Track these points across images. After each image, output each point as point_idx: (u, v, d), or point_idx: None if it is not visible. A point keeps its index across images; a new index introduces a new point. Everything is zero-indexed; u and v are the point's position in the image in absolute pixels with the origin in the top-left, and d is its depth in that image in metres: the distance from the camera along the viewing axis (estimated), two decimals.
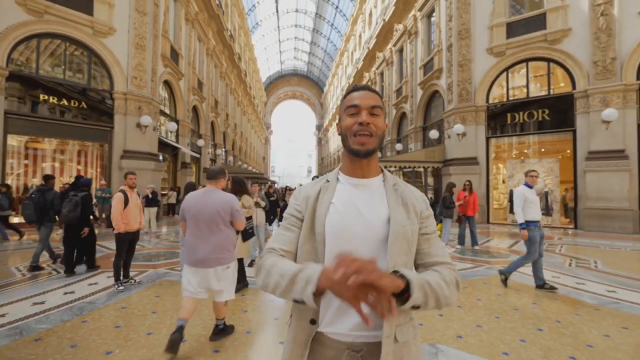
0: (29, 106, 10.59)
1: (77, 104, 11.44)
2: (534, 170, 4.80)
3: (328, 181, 1.06)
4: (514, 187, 13.15)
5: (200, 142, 19.16)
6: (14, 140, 10.92)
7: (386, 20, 21.31)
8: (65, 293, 4.16)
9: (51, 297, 3.99)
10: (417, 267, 1.02)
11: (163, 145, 14.51)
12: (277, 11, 42.42)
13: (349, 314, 0.92)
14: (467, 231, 7.92)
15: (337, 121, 1.09)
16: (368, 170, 1.03)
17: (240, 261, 4.24)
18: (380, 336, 0.90)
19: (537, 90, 12.67)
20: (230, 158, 29.11)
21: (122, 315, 3.49)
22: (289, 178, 75.74)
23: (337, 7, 39.21)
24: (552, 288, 4.45)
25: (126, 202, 4.36)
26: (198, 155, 19.32)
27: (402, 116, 20.70)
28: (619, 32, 10.65)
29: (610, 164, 10.59)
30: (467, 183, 7.79)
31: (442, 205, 7.29)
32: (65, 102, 11.17)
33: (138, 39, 12.43)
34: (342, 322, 0.92)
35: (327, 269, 0.75)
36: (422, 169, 15.07)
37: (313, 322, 0.93)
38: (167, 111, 15.72)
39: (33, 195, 5.44)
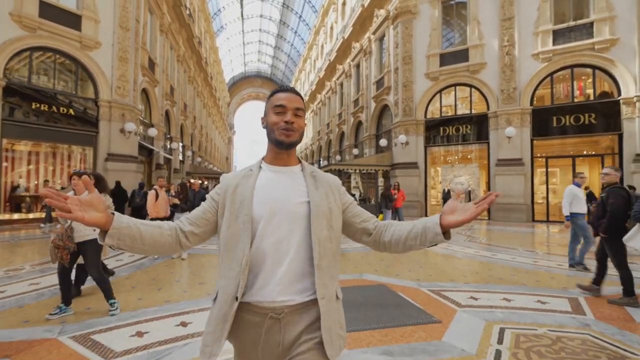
0: (21, 113, 11.60)
1: (65, 111, 12.56)
2: (582, 173, 5.58)
3: (251, 170, 1.18)
4: (447, 187, 16.18)
5: (174, 145, 20.43)
6: (8, 144, 11.84)
7: (345, 37, 23.87)
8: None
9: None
10: (362, 224, 1.22)
11: (140, 147, 15.77)
12: (242, 16, 43.66)
13: (270, 284, 1.06)
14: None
15: (262, 115, 1.22)
16: (288, 160, 1.19)
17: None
18: (294, 300, 1.07)
19: (462, 109, 15.77)
20: (198, 159, 30.21)
21: (167, 268, 5.39)
22: None
23: (300, 16, 41.33)
24: (586, 269, 5.26)
25: (157, 197, 6.21)
26: (171, 157, 20.56)
27: (359, 124, 23.34)
28: (518, 68, 13.90)
29: (512, 169, 13.81)
30: (396, 184, 10.35)
31: (383, 200, 9.76)
32: (54, 109, 12.27)
33: (122, 52, 13.73)
34: (263, 293, 1.06)
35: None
36: (374, 171, 17.68)
37: (236, 298, 1.05)
38: (143, 116, 16.94)
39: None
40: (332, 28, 30.46)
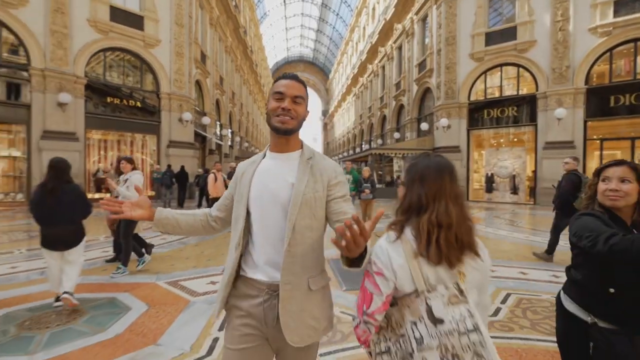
0: (99, 106, 13.39)
1: (133, 103, 14.25)
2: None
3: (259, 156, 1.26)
4: (490, 171, 15.91)
5: (224, 131, 21.98)
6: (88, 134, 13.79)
7: (387, 19, 23.53)
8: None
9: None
10: (334, 224, 1.18)
11: (195, 134, 17.31)
12: (284, 1, 44.17)
13: (263, 263, 1.16)
14: None
15: (266, 101, 1.24)
16: (287, 146, 1.21)
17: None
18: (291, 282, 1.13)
19: (509, 90, 15.21)
20: (245, 144, 31.96)
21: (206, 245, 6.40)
22: None
23: None
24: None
25: (215, 179, 7.24)
26: (221, 143, 22.18)
27: (401, 107, 23.21)
28: (572, 44, 13.08)
29: (561, 153, 13.21)
30: None
31: None
32: (124, 102, 13.97)
33: (177, 47, 15.07)
34: (259, 270, 1.16)
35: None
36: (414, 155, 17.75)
37: (237, 271, 1.20)
38: (197, 105, 18.46)
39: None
40: (374, 9, 29.98)
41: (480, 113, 15.74)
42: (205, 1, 18.50)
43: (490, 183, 15.88)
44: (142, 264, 4.44)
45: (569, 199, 4.52)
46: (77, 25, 12.21)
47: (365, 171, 6.31)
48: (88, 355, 2.32)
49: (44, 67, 11.45)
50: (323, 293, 1.20)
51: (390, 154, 18.74)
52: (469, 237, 1.03)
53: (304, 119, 1.22)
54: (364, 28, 33.84)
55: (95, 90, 13.16)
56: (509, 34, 14.57)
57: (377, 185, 18.37)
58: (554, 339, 2.51)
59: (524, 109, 14.60)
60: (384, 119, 26.99)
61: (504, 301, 3.40)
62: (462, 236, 1.01)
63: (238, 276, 1.20)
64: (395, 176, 19.17)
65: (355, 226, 0.84)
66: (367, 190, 6.19)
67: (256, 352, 1.14)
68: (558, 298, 1.56)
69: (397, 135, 22.62)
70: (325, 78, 65.15)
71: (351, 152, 37.31)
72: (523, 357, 2.37)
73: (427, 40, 18.54)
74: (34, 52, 11.35)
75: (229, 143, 25.07)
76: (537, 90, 14.04)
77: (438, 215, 1.01)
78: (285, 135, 1.18)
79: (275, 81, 1.24)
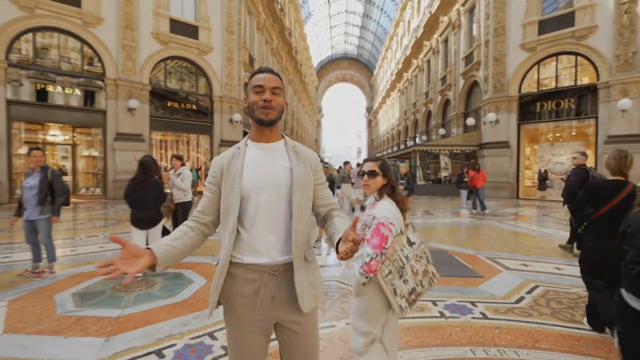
0: (160, 110, 14.88)
1: (189, 106, 15.60)
2: None
3: (239, 148, 1.29)
4: (543, 167, 15.05)
5: None
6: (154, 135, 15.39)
7: (432, 12, 22.95)
8: None
9: None
10: (318, 207, 1.34)
11: (244, 134, 18.43)
12: (328, 0, 44.61)
13: (265, 246, 1.21)
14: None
15: (245, 96, 1.35)
16: (271, 137, 1.28)
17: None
18: (291, 259, 1.21)
19: (564, 81, 14.23)
20: None
21: None
22: (338, 159, 78.99)
23: None
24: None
25: None
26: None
27: (447, 102, 22.57)
28: None
29: (626, 147, 12.17)
30: (477, 165, 10.34)
31: (457, 180, 10.01)
32: (182, 105, 15.35)
33: (228, 53, 16.17)
34: (262, 256, 1.21)
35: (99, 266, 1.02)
36: (460, 152, 17.25)
37: (230, 261, 1.22)
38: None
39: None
40: (419, 2, 29.28)
41: (533, 106, 14.92)
42: (253, 7, 19.53)
43: (543, 180, 15.01)
44: None
45: (576, 192, 4.50)
46: (142, 38, 13.68)
47: (403, 168, 6.51)
48: (163, 312, 2.94)
49: (117, 77, 13.02)
50: (315, 265, 1.31)
51: (435, 150, 18.40)
52: (405, 205, 1.88)
53: (283, 109, 1.30)
54: (409, 22, 33.16)
55: (157, 95, 14.63)
56: (566, 20, 13.63)
57: (421, 182, 18.40)
58: (572, 325, 2.68)
59: (582, 100, 13.61)
60: (429, 114, 26.39)
61: (530, 292, 3.52)
62: (404, 204, 1.89)
63: (231, 264, 1.23)
64: (449, 174, 18.79)
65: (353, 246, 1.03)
66: (401, 187, 6.37)
67: (257, 336, 1.22)
68: (621, 298, 1.58)
69: (442, 131, 22.06)
70: (370, 74, 64.60)
71: (395, 149, 36.86)
72: (534, 337, 2.56)
73: (474, 32, 17.88)
74: (108, 64, 12.96)
75: None
76: (598, 79, 13.01)
77: (399, 193, 1.90)
78: (269, 126, 1.26)
79: (251, 76, 1.30)
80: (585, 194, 2.76)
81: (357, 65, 66.74)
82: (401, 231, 1.74)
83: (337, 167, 16.81)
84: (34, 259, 4.06)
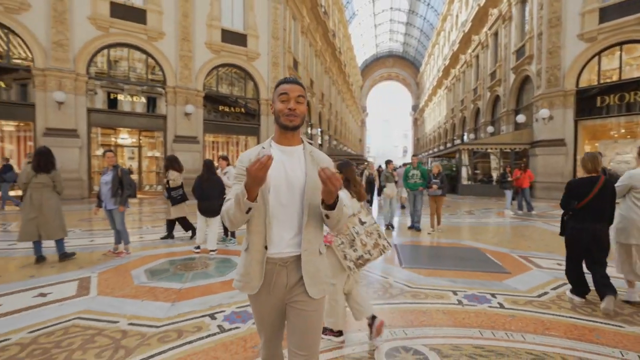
0: (213, 113, 16.13)
1: (238, 110, 16.70)
2: None
3: (264, 148, 1.41)
4: (607, 166, 13.90)
5: (314, 131, 23.69)
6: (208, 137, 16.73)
7: (481, 5, 22.05)
8: None
9: None
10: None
11: None
12: None
13: (279, 240, 1.33)
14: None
15: (271, 102, 1.45)
16: (292, 140, 1.41)
17: (172, 221, 5.99)
18: (295, 252, 1.34)
19: (631, 72, 13.04)
20: (334, 142, 33.52)
21: None
22: (384, 158, 77.95)
23: None
24: None
25: None
26: (311, 142, 23.95)
27: (496, 99, 21.56)
28: None
29: None
30: (523, 164, 9.94)
31: (500, 180, 9.72)
32: (232, 109, 16.49)
33: (274, 58, 17.02)
34: (276, 247, 1.34)
35: (250, 166, 1.14)
36: (510, 150, 16.47)
37: (266, 248, 1.33)
38: None
39: None
40: None
41: (592, 101, 13.85)
42: (297, 12, 20.27)
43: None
44: (227, 241, 5.82)
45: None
46: (197, 48, 14.95)
47: (435, 167, 6.57)
48: (215, 287, 3.52)
49: (175, 85, 14.39)
50: (324, 258, 1.45)
51: (481, 149, 17.75)
52: (360, 195, 2.55)
53: (305, 116, 1.42)
54: (457, 16, 31.98)
55: (210, 99, 15.87)
56: (632, 5, 12.50)
57: (466, 182, 17.85)
58: (589, 318, 2.79)
59: None
60: (477, 112, 25.35)
61: (555, 288, 3.59)
62: (360, 193, 2.55)
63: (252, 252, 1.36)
64: (498, 173, 18.06)
65: (326, 171, 1.18)
66: (435, 186, 6.44)
67: (277, 310, 1.41)
68: None
69: (490, 129, 21.13)
70: (416, 72, 63.00)
71: (442, 147, 35.74)
72: (545, 325, 2.71)
73: (526, 24, 16.95)
74: (168, 73, 14.36)
75: (319, 142, 26.80)
76: None
77: (357, 185, 2.57)
78: (292, 131, 1.38)
79: (277, 84, 1.42)
80: (568, 190, 3.35)
81: (402, 63, 65.46)
82: (354, 214, 2.45)
83: (377, 167, 16.94)
84: (116, 242, 4.93)
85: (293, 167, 1.37)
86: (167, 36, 14.18)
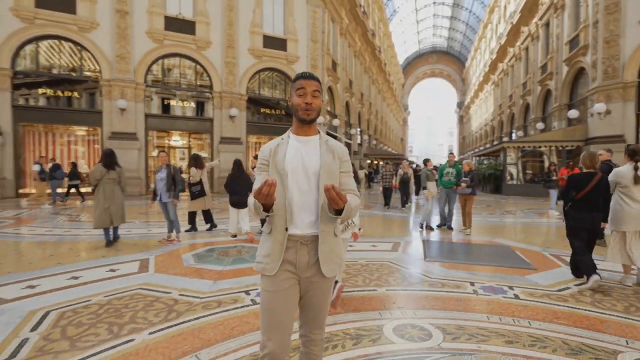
0: (255, 116, 17.01)
1: (279, 112, 17.43)
2: None
3: (282, 139, 1.54)
4: None
5: (353, 131, 23.91)
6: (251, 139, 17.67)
7: None
8: None
9: None
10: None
11: (327, 135, 19.62)
12: None
13: (299, 221, 1.43)
14: None
15: (289, 97, 1.54)
16: (309, 131, 1.52)
17: (192, 213, 6.57)
18: (314, 232, 1.44)
19: None
20: (374, 142, 33.43)
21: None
22: (428, 158, 75.59)
23: None
24: None
25: None
26: (350, 142, 24.19)
27: (547, 93, 20.28)
28: None
29: None
30: (571, 163, 9.41)
31: (544, 179, 9.29)
32: (273, 111, 17.26)
33: (312, 61, 17.52)
34: (297, 228, 1.43)
35: (255, 194, 1.26)
36: (561, 148, 15.45)
37: (286, 229, 1.42)
38: (329, 109, 20.83)
39: None
40: None
41: None
42: (336, 14, 20.62)
43: None
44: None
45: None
46: (241, 54, 15.87)
47: (466, 165, 6.50)
48: (250, 271, 3.99)
49: (221, 90, 15.42)
50: (341, 240, 1.55)
51: (528, 147, 16.85)
52: None
53: (320, 109, 1.51)
54: (505, 7, 30.38)
55: (252, 102, 16.76)
56: None
57: (511, 182, 17.03)
58: (605, 311, 2.84)
59: None
60: (526, 107, 23.98)
61: (580, 284, 3.58)
62: None
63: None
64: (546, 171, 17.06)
65: (331, 191, 1.22)
66: (464, 184, 6.33)
67: (292, 291, 1.45)
68: None
69: (540, 125, 19.90)
70: (461, 67, 60.51)
71: (488, 146, 34.12)
72: (556, 315, 2.80)
73: (580, 12, 15.81)
74: (215, 79, 15.42)
75: (358, 141, 26.94)
76: None
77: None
78: (309, 124, 1.49)
79: (295, 79, 1.50)
80: (568, 184, 3.78)
81: (446, 59, 63.20)
82: None
83: (414, 166, 16.71)
84: (169, 230, 5.64)
85: (309, 154, 1.47)
86: (214, 44, 15.24)
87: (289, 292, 1.43)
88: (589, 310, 2.91)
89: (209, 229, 6.65)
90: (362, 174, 22.03)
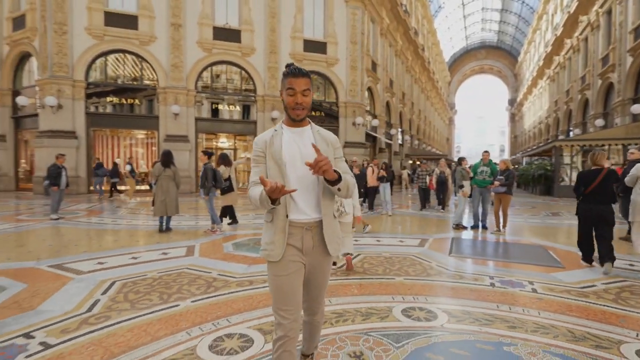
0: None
1: (318, 113, 17.91)
2: None
3: (276, 130, 1.60)
4: None
5: (393, 131, 23.75)
6: None
7: None
8: None
9: None
10: None
11: (366, 135, 19.73)
12: None
13: (302, 208, 1.52)
14: None
15: (280, 90, 1.59)
16: (301, 124, 1.59)
17: (230, 207, 6.95)
18: (317, 217, 1.54)
19: None
20: (416, 142, 32.77)
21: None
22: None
23: None
24: None
25: (373, 171, 8.92)
26: (391, 142, 24.03)
27: (609, 87, 18.62)
28: None
29: None
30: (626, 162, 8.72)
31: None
32: (316, 113, 17.79)
33: (352, 62, 17.75)
34: (300, 214, 1.52)
35: (264, 189, 1.34)
36: (622, 146, 14.13)
37: (287, 216, 1.50)
38: (368, 109, 20.91)
39: None
40: None
41: None
42: (376, 15, 20.66)
43: None
44: None
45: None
46: (282, 59, 16.54)
47: (502, 163, 6.33)
48: None
49: (264, 94, 16.23)
50: (337, 223, 1.67)
51: (584, 145, 15.60)
52: None
53: (310, 105, 1.57)
54: None
55: None
56: None
57: (564, 183, 15.88)
58: (625, 308, 2.83)
59: None
60: (585, 103, 22.16)
61: (608, 283, 3.50)
62: None
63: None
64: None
65: (312, 162, 1.34)
66: (497, 183, 6.16)
67: (298, 274, 1.54)
68: None
69: (600, 122, 18.35)
70: (513, 62, 56.96)
71: (541, 145, 31.87)
72: (570, 308, 2.83)
73: None
74: (258, 84, 16.27)
75: (399, 141, 26.64)
76: None
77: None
78: (299, 122, 1.57)
79: (284, 75, 1.53)
80: (578, 180, 4.24)
81: (497, 54, 59.86)
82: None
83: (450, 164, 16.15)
84: (212, 222, 6.27)
85: (305, 144, 1.55)
86: (257, 51, 16.09)
87: (295, 275, 1.52)
88: (607, 306, 2.89)
89: (230, 224, 6.94)
90: (405, 174, 21.84)
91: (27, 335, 2.30)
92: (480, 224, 6.80)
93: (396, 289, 3.27)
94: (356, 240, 5.51)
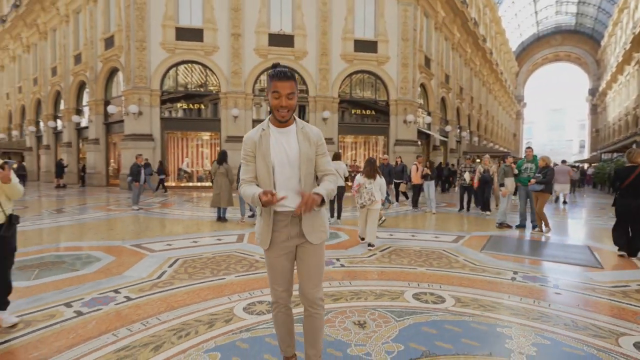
0: (347, 116, 18.03)
1: (369, 112, 18.09)
2: None
3: (263, 129, 1.70)
4: None
5: (448, 128, 22.95)
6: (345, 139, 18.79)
7: None
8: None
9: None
10: (317, 173, 1.76)
11: (419, 133, 19.40)
12: None
13: (288, 200, 1.62)
14: None
15: (266, 92, 1.70)
16: (287, 124, 1.70)
17: None
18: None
19: None
20: (475, 138, 31.11)
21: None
22: (551, 155, 65.50)
23: None
24: None
25: (417, 169, 9.00)
26: (446, 139, 23.24)
27: None
28: None
29: None
30: None
31: None
32: (366, 112, 18.02)
33: (403, 59, 17.61)
34: (284, 207, 1.65)
35: (260, 195, 1.52)
36: None
37: (275, 212, 1.67)
38: (422, 106, 20.50)
39: None
40: None
41: None
42: (430, 9, 20.13)
43: None
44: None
45: None
46: (334, 60, 17.05)
47: (541, 160, 5.99)
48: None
49: (315, 95, 16.88)
50: (321, 213, 1.78)
51: None
52: (371, 175, 4.95)
53: (295, 107, 1.68)
54: None
55: (343, 104, 17.80)
56: None
57: None
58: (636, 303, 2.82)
59: None
60: None
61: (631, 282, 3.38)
62: (371, 174, 4.94)
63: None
64: None
65: (302, 208, 1.53)
66: (533, 180, 5.96)
67: (288, 257, 1.73)
68: None
69: None
70: (595, 47, 50.68)
71: (622, 140, 28.15)
72: (587, 303, 2.86)
73: None
74: (310, 85, 16.96)
75: (456, 138, 25.58)
76: None
77: (366, 168, 5.11)
78: (285, 124, 1.69)
79: (270, 77, 1.62)
80: (615, 176, 4.65)
81: (574, 39, 53.79)
82: (364, 185, 4.91)
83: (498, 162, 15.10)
84: (241, 214, 7.14)
85: (290, 145, 1.68)
86: (309, 54, 16.78)
87: (284, 257, 1.71)
88: (631, 305, 2.86)
89: (252, 216, 7.32)
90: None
91: (116, 291, 3.09)
92: (531, 224, 6.56)
93: (415, 277, 3.54)
94: (390, 235, 5.79)
